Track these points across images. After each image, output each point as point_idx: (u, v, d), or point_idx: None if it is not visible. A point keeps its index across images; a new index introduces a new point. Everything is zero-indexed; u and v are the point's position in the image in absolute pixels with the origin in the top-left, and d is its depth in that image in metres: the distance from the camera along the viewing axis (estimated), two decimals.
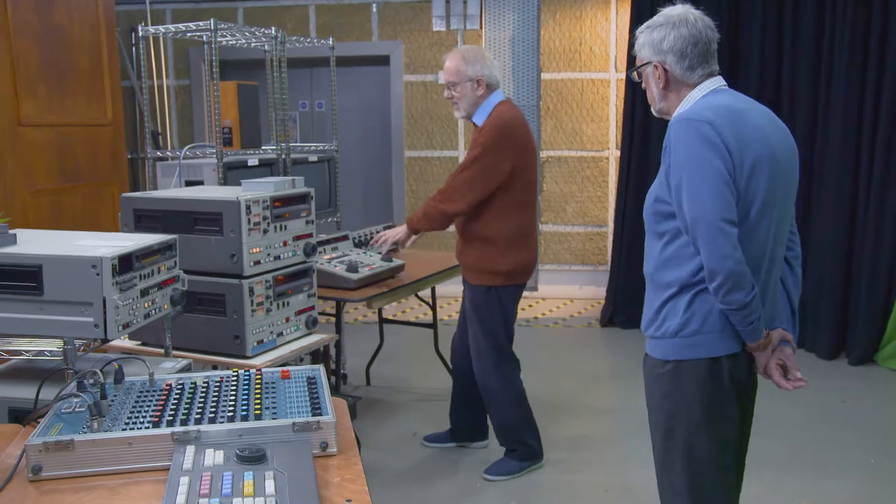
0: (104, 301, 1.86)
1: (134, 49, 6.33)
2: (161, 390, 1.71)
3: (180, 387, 1.73)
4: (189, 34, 4.02)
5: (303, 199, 2.92)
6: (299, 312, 2.95)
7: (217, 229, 2.66)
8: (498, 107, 3.27)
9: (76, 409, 1.59)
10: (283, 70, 4.28)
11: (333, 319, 3.79)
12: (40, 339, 2.05)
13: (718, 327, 1.96)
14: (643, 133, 5.70)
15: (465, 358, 3.52)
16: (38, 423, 1.56)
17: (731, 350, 1.98)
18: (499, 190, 3.23)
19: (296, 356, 2.90)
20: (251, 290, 2.70)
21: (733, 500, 2.14)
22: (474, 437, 3.75)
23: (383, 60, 6.65)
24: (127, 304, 1.92)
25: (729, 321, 1.95)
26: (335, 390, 4.03)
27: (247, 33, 4.23)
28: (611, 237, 6.26)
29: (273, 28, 4.21)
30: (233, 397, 1.66)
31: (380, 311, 4.72)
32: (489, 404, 3.46)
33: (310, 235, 2.95)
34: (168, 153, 4.16)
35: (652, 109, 2.14)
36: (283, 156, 4.21)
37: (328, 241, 3.86)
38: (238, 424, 1.53)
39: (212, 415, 1.57)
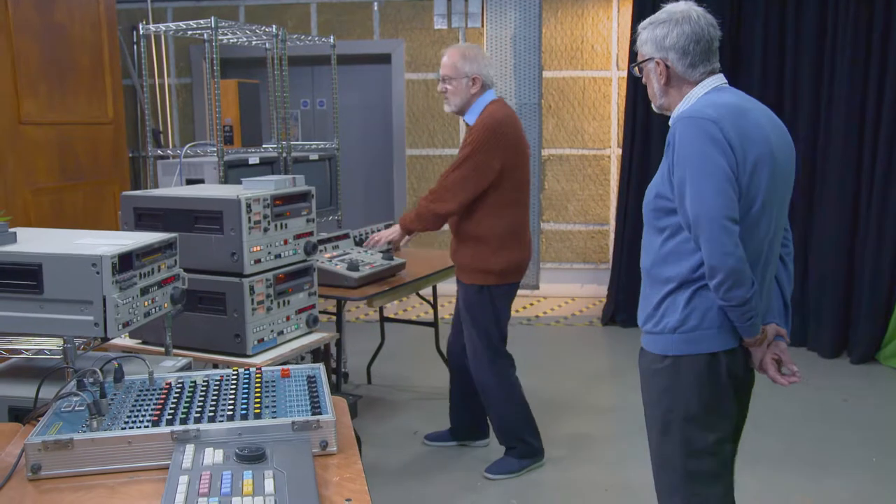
0: (104, 300, 1.85)
1: (135, 47, 6.33)
2: (161, 389, 1.71)
3: (180, 385, 1.72)
4: (190, 32, 4.02)
5: (303, 197, 2.91)
6: (300, 311, 2.94)
7: (217, 228, 2.65)
8: (489, 106, 3.27)
9: (76, 408, 1.59)
10: (283, 68, 4.27)
11: (334, 318, 3.79)
12: (40, 337, 2.05)
13: (717, 323, 1.98)
14: (645, 131, 5.70)
15: (461, 357, 3.52)
16: (38, 421, 1.56)
17: (729, 346, 2.01)
18: (490, 188, 3.23)
19: (296, 355, 2.90)
20: (252, 288, 2.70)
21: (729, 495, 2.15)
22: (475, 435, 3.75)
23: (385, 59, 6.64)
24: (127, 303, 1.92)
25: (727, 317, 1.97)
26: (336, 389, 4.03)
27: (248, 31, 4.22)
28: (612, 235, 6.26)
29: (274, 26, 4.20)
30: (232, 396, 1.66)
31: (381, 309, 4.71)
32: (486, 402, 3.47)
33: (310, 234, 2.94)
34: (169, 151, 4.16)
35: (652, 105, 2.15)
36: (284, 154, 4.20)
37: (329, 240, 3.86)
38: (238, 423, 1.53)
39: (211, 414, 1.57)
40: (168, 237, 2.14)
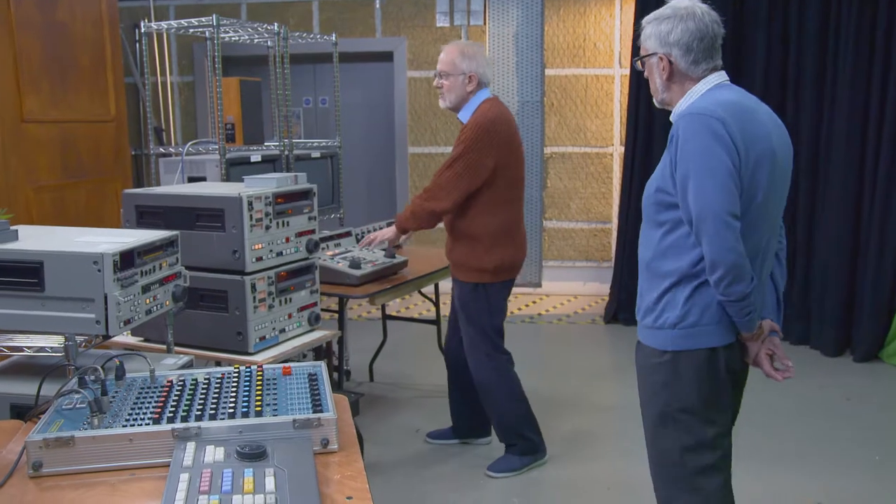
0: (105, 297, 1.85)
1: (137, 45, 6.33)
2: (162, 387, 1.71)
3: (181, 383, 1.72)
4: (192, 30, 4.02)
5: (305, 195, 2.91)
6: (302, 309, 2.94)
7: (219, 225, 2.65)
8: (483, 104, 3.28)
9: (77, 406, 1.59)
10: (285, 66, 4.27)
11: (337, 316, 3.79)
12: (42, 335, 2.05)
13: (716, 319, 2.00)
14: (647, 129, 5.68)
15: (459, 355, 3.52)
16: (39, 419, 1.56)
17: (727, 341, 2.03)
18: (484, 187, 3.24)
19: (298, 352, 2.90)
20: (253, 286, 2.69)
21: (727, 487, 2.16)
22: (477, 433, 3.74)
23: (387, 56, 6.64)
24: (128, 301, 1.92)
25: (726, 313, 1.99)
26: (338, 387, 4.03)
27: (249, 29, 4.22)
28: (615, 233, 6.25)
29: (276, 24, 4.20)
30: (234, 394, 1.66)
31: (383, 307, 4.71)
32: (485, 399, 3.47)
33: (312, 232, 2.94)
34: (171, 149, 4.16)
35: (654, 100, 2.16)
36: (286, 152, 4.20)
37: (331, 238, 3.86)
38: (239, 421, 1.52)
39: (212, 411, 1.56)
40: (169, 235, 2.15)
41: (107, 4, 4.45)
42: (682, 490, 2.09)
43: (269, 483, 1.32)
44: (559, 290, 6.60)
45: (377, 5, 6.52)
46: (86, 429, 1.49)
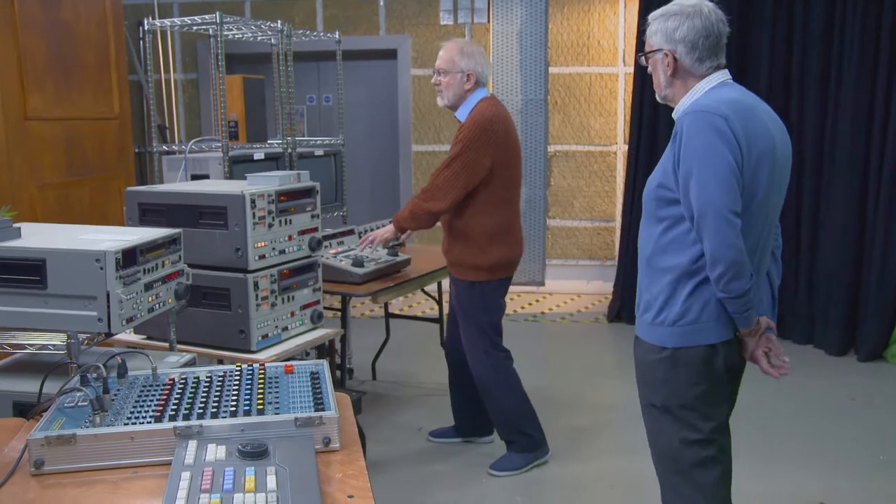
0: (108, 295, 1.86)
1: (141, 43, 6.33)
2: (164, 385, 1.71)
3: (183, 381, 1.72)
4: (195, 28, 4.02)
5: (308, 193, 2.91)
6: (304, 307, 2.94)
7: (222, 223, 2.65)
8: (480, 103, 3.28)
9: (79, 404, 1.59)
10: (289, 64, 4.27)
11: (340, 314, 3.79)
12: (44, 332, 2.05)
13: (715, 316, 2.03)
14: (651, 127, 5.67)
15: (459, 353, 3.52)
16: (42, 417, 1.56)
17: (726, 337, 2.06)
18: (481, 186, 3.24)
19: (301, 351, 2.90)
20: (256, 284, 2.69)
21: (726, 478, 2.19)
22: (479, 432, 3.74)
23: (390, 54, 6.63)
24: (131, 299, 1.92)
25: (724, 310, 2.02)
26: (340, 385, 4.03)
27: (253, 27, 4.22)
28: (618, 232, 6.24)
29: (279, 21, 4.20)
30: (235, 392, 1.66)
31: (386, 305, 4.71)
32: (485, 397, 3.47)
33: (315, 230, 2.94)
34: (174, 147, 4.16)
35: (656, 95, 2.18)
36: (289, 150, 4.20)
37: (334, 236, 3.86)
38: (240, 419, 1.52)
39: (214, 409, 1.56)
40: (172, 233, 2.15)
41: (110, 2, 4.45)
42: (680, 481, 2.14)
43: (271, 482, 1.31)
44: (562, 289, 6.59)
45: (381, 3, 6.52)
46: (88, 427, 1.49)
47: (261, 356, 2.70)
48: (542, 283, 6.63)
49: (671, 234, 2.04)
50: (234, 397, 1.63)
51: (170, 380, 1.73)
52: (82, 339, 1.91)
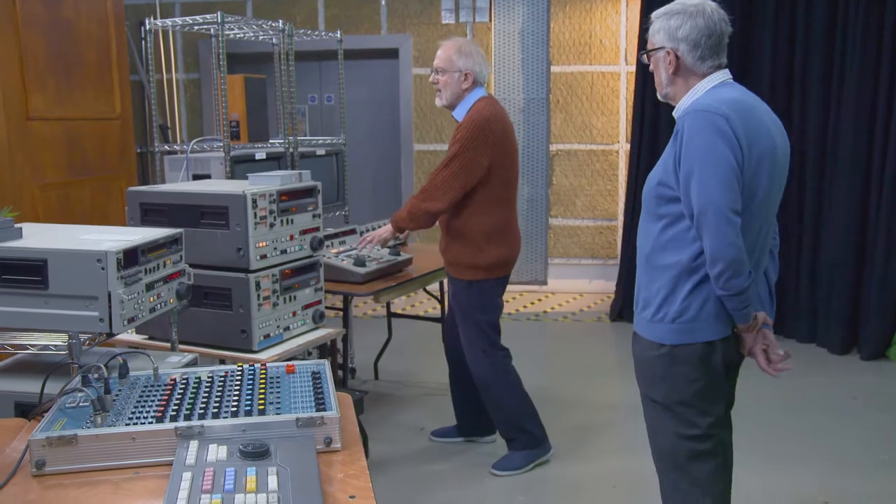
0: (109, 295, 1.86)
1: (143, 42, 6.34)
2: (165, 385, 1.70)
3: (184, 381, 1.72)
4: (196, 27, 4.02)
5: (309, 192, 2.91)
6: (306, 307, 2.94)
7: (223, 223, 2.65)
8: (477, 103, 3.28)
9: (80, 404, 1.59)
10: (290, 63, 4.27)
11: (342, 313, 3.79)
12: (46, 333, 2.05)
13: (714, 313, 2.05)
14: (653, 126, 5.66)
15: (459, 353, 3.52)
16: (43, 417, 1.56)
17: (724, 334, 2.09)
18: (479, 186, 3.25)
19: (303, 350, 2.90)
20: (258, 284, 2.69)
21: (722, 471, 2.21)
22: (481, 431, 3.74)
23: (392, 53, 6.63)
24: (132, 299, 1.92)
25: (723, 307, 2.04)
26: (343, 385, 4.03)
27: (255, 26, 4.22)
28: (620, 231, 6.23)
29: (281, 21, 4.20)
30: (237, 392, 1.65)
31: (388, 305, 4.71)
32: (485, 395, 3.47)
33: (317, 229, 2.94)
34: (176, 147, 4.16)
35: (658, 93, 2.21)
36: (291, 149, 4.20)
37: (336, 235, 3.86)
38: (241, 419, 1.52)
39: (215, 410, 1.56)
40: (173, 233, 2.14)
41: (112, 2, 4.45)
42: (678, 476, 2.17)
43: (272, 482, 1.31)
44: (564, 288, 6.59)
45: (382, 2, 6.52)
46: (89, 427, 1.49)
47: (262, 356, 2.70)
48: (544, 283, 6.63)
49: (671, 231, 2.06)
50: (236, 397, 1.62)
51: (171, 380, 1.73)
52: (84, 340, 1.91)
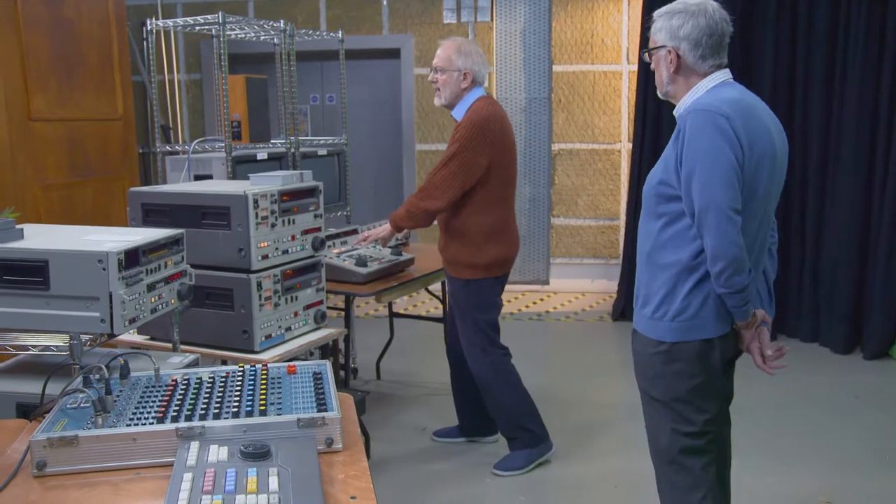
0: (110, 296, 1.85)
1: (145, 43, 6.34)
2: (166, 386, 1.70)
3: (185, 382, 1.72)
4: (198, 28, 4.02)
5: (311, 192, 2.91)
6: (308, 307, 2.94)
7: (225, 223, 2.65)
8: (476, 102, 3.28)
9: (81, 405, 1.59)
10: (292, 63, 4.27)
11: (343, 313, 3.79)
12: (47, 334, 2.05)
13: (714, 311, 2.08)
14: (655, 126, 5.65)
15: (459, 352, 3.53)
16: (44, 418, 1.56)
17: (723, 331, 2.12)
18: (478, 185, 3.25)
19: (304, 351, 2.90)
20: (259, 284, 2.69)
21: (712, 466, 2.23)
22: (483, 431, 3.74)
23: (394, 53, 6.63)
24: (133, 299, 1.92)
25: (723, 304, 2.07)
26: (344, 385, 4.03)
27: (256, 27, 4.22)
28: (622, 230, 6.23)
29: (282, 21, 4.20)
30: (238, 393, 1.65)
31: (390, 305, 4.71)
32: (485, 394, 3.47)
33: (318, 230, 2.94)
34: (178, 147, 4.16)
35: (658, 91, 2.23)
36: (293, 150, 4.20)
37: (337, 235, 3.86)
38: (242, 420, 1.52)
39: (216, 410, 1.56)
40: (175, 233, 2.14)
41: (114, 2, 4.45)
42: (673, 471, 2.21)
43: (273, 483, 1.31)
44: (567, 288, 6.58)
45: (384, 2, 6.51)
46: (90, 428, 1.49)
47: (264, 356, 2.70)
48: (546, 282, 6.62)
49: (671, 229, 2.08)
50: (237, 398, 1.62)
51: (172, 381, 1.73)
52: (85, 341, 1.90)
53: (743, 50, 5.24)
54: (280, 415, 1.55)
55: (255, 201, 2.63)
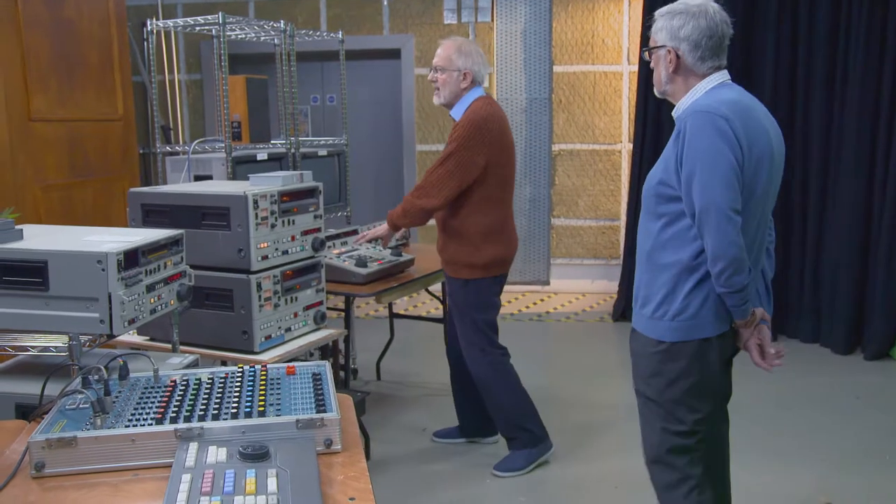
0: (109, 297, 1.85)
1: (145, 43, 6.34)
2: (165, 387, 1.70)
3: (185, 383, 1.72)
4: (198, 28, 4.02)
5: (311, 193, 2.90)
6: (308, 307, 2.94)
7: (224, 224, 2.65)
8: (475, 102, 3.28)
9: (80, 406, 1.59)
10: (292, 64, 4.26)
11: (343, 314, 3.78)
12: (46, 334, 2.05)
13: (713, 310, 2.10)
14: (656, 126, 5.65)
15: (459, 352, 3.52)
16: (43, 419, 1.55)
17: (722, 330, 2.13)
18: (475, 185, 3.25)
19: (304, 351, 2.89)
20: (259, 285, 2.69)
21: (713, 468, 2.25)
22: (484, 432, 3.73)
23: (394, 54, 6.63)
24: (133, 300, 1.92)
25: (722, 304, 2.09)
26: (344, 385, 4.03)
27: (256, 27, 4.22)
28: (623, 231, 6.23)
29: (282, 22, 4.20)
30: (237, 394, 1.65)
31: (390, 305, 4.71)
32: (484, 394, 3.47)
33: (318, 230, 2.94)
34: (178, 148, 4.16)
35: (655, 90, 2.24)
36: (293, 150, 4.20)
37: (337, 236, 3.85)
38: (241, 421, 1.52)
39: (215, 411, 1.56)
40: (174, 234, 2.14)
41: (114, 2, 4.45)
42: (660, 467, 2.25)
43: (272, 484, 1.31)
44: (567, 288, 6.58)
45: (384, 2, 6.51)
46: (88, 429, 1.49)
47: (264, 357, 2.70)
48: (546, 283, 6.62)
49: (671, 230, 2.09)
50: (236, 399, 1.62)
51: (171, 381, 1.73)
52: (84, 341, 1.90)
53: (744, 51, 5.24)
54: (279, 416, 1.54)
55: (255, 202, 2.63)
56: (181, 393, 1.66)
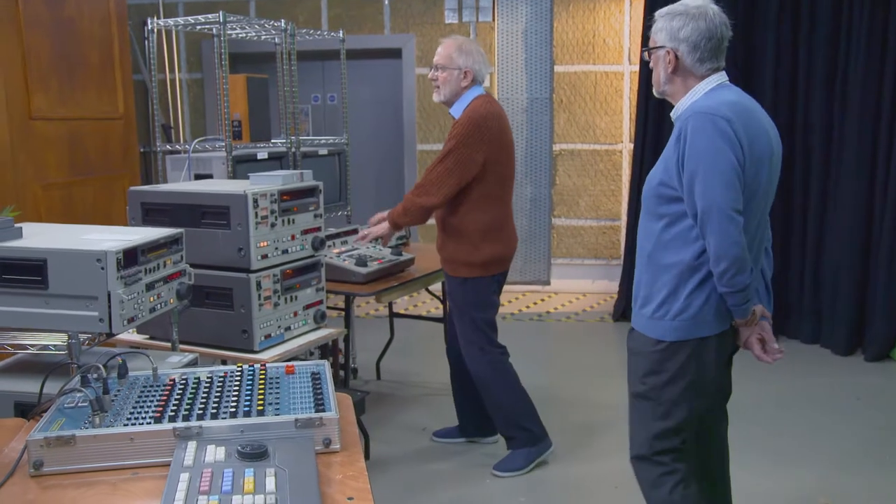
0: (109, 295, 1.85)
1: (146, 42, 6.34)
2: (164, 385, 1.70)
3: (184, 382, 1.72)
4: (199, 27, 4.02)
5: (311, 192, 2.90)
6: (307, 307, 2.94)
7: (224, 223, 2.65)
8: (474, 101, 3.29)
9: (79, 404, 1.58)
10: (293, 63, 4.26)
11: (343, 313, 3.78)
12: (45, 333, 2.05)
13: (714, 310, 2.11)
14: (656, 126, 5.65)
15: (459, 352, 3.52)
16: (42, 417, 1.55)
17: (722, 329, 2.15)
18: (474, 183, 3.26)
19: (304, 350, 2.89)
20: (259, 284, 2.69)
21: (703, 467, 2.29)
22: (483, 432, 3.73)
23: (395, 53, 6.62)
24: (132, 299, 1.92)
25: (723, 303, 2.10)
26: (344, 385, 4.03)
27: (257, 26, 4.22)
28: (624, 231, 6.22)
29: (283, 21, 4.20)
30: (236, 393, 1.65)
31: (390, 305, 4.70)
32: (483, 393, 3.47)
33: (318, 229, 2.94)
34: (178, 147, 4.16)
35: (654, 89, 2.26)
36: (293, 149, 4.20)
37: (338, 235, 3.85)
38: (240, 420, 1.51)
39: (214, 410, 1.56)
40: (174, 232, 2.14)
41: (115, 1, 4.46)
42: (640, 465, 2.31)
43: (270, 483, 1.31)
44: (568, 288, 6.57)
45: (385, 2, 6.51)
46: (87, 428, 1.49)
47: (263, 356, 2.70)
48: (547, 283, 6.62)
49: (673, 230, 2.10)
50: (235, 398, 1.62)
51: (170, 380, 1.73)
52: (83, 340, 1.90)
53: (744, 52, 5.23)
54: (278, 415, 1.54)
55: (255, 201, 2.63)
56: (180, 392, 1.66)
